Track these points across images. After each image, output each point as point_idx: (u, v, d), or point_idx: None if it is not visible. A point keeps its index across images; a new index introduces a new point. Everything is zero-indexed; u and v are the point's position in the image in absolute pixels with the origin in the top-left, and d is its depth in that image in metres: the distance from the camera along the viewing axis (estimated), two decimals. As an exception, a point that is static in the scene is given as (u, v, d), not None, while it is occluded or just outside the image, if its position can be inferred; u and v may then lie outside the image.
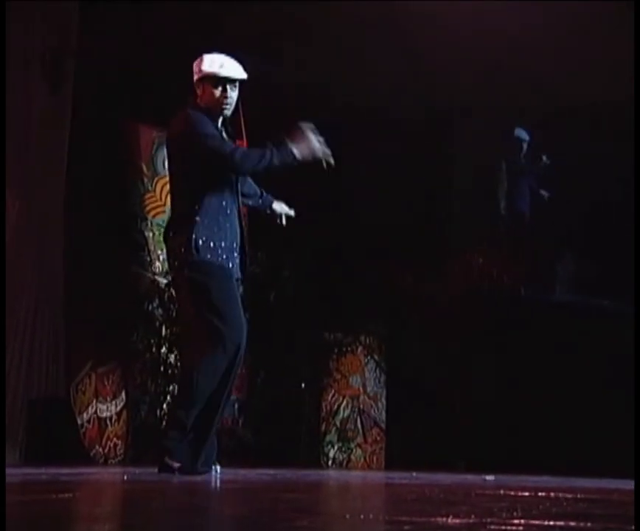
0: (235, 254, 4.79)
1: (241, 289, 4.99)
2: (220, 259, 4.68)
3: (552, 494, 3.74)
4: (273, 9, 8.43)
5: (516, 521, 2.33)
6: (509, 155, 10.58)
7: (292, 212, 5.26)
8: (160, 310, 8.81)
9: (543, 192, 10.42)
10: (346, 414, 10.17)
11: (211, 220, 4.69)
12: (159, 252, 9.07)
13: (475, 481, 5.22)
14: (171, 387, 8.63)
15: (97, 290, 8.34)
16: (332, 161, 4.83)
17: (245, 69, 4.83)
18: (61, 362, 7.91)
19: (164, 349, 8.73)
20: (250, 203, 5.20)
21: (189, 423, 4.59)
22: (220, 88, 4.74)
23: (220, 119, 4.82)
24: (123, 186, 9.12)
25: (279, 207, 5.25)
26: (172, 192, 4.96)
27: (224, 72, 4.75)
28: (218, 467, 4.85)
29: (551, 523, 2.35)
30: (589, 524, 2.37)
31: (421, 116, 9.94)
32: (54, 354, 7.82)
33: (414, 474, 6.28)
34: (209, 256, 4.66)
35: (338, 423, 10.10)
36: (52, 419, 7.62)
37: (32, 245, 7.75)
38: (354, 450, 10.15)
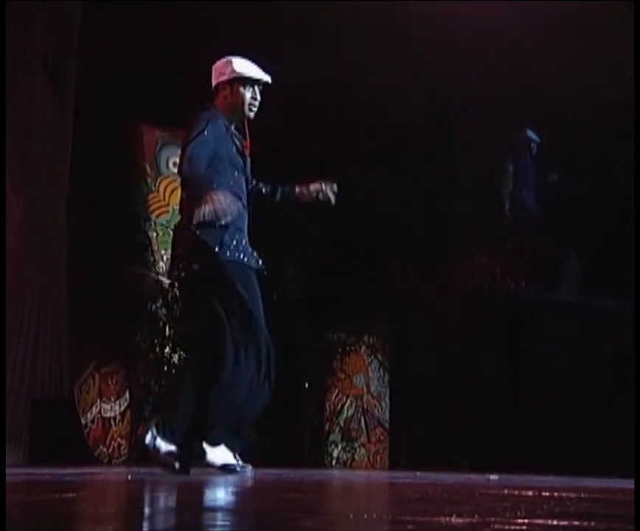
0: (250, 249, 4.82)
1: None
2: (245, 258, 4.72)
3: (556, 494, 3.73)
4: (273, 9, 8.44)
5: (520, 521, 2.33)
6: (516, 155, 10.56)
7: (334, 188, 5.13)
8: (164, 310, 8.81)
9: (552, 177, 10.36)
10: (349, 414, 10.17)
11: (233, 221, 4.72)
12: (163, 252, 9.08)
13: (479, 481, 5.21)
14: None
15: (101, 290, 8.35)
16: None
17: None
18: (65, 362, 7.92)
19: (167, 349, 8.74)
20: (266, 198, 5.16)
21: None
22: (250, 90, 4.87)
23: (234, 124, 4.87)
24: (126, 187, 9.13)
25: (310, 188, 5.12)
26: (183, 190, 4.97)
27: (256, 74, 4.88)
28: (249, 467, 4.85)
29: (555, 522, 2.35)
30: (593, 524, 2.37)
31: (422, 116, 9.94)
32: (58, 354, 7.83)
33: (418, 474, 6.27)
34: (241, 256, 4.69)
35: (341, 423, 10.09)
36: (56, 419, 7.64)
37: (35, 245, 7.76)
38: (357, 449, 10.15)
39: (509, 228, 10.65)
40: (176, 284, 8.68)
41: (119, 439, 8.57)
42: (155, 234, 9.17)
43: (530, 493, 3.74)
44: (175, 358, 8.70)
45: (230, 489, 3.78)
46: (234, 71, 4.86)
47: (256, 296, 4.76)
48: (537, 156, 10.57)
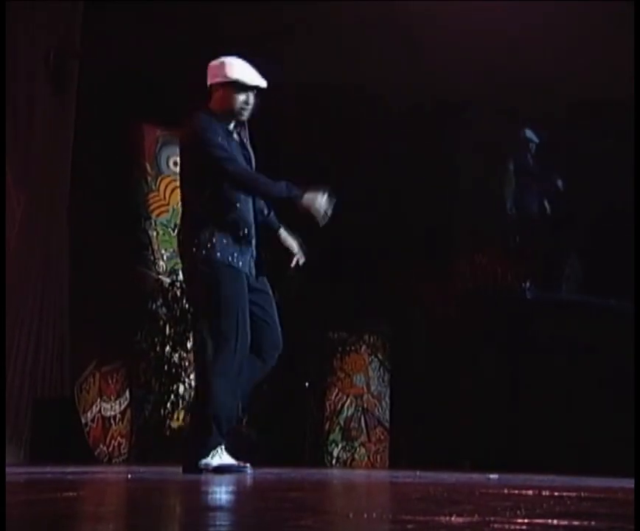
0: (248, 255, 4.81)
1: (267, 286, 4.97)
2: (229, 258, 4.72)
3: (556, 493, 3.73)
4: (273, 9, 8.44)
5: (520, 520, 2.33)
6: (517, 155, 10.57)
7: (302, 258, 5.10)
8: (164, 309, 8.82)
9: (557, 183, 10.39)
10: (350, 413, 10.17)
11: (222, 220, 4.73)
12: (163, 251, 9.09)
13: (479, 480, 5.21)
14: (175, 386, 8.64)
15: (101, 289, 8.36)
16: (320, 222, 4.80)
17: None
18: (66, 361, 7.92)
19: (168, 349, 8.75)
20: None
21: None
22: (243, 95, 4.80)
23: (233, 123, 4.86)
24: (127, 186, 9.13)
25: (289, 241, 5.09)
26: (182, 192, 4.99)
27: (249, 80, 4.80)
28: (248, 466, 4.85)
29: (555, 522, 2.35)
30: (593, 523, 2.37)
31: (423, 116, 9.94)
32: (59, 353, 7.83)
33: (418, 473, 6.27)
34: (218, 254, 4.69)
35: (342, 422, 10.10)
36: (57, 418, 7.64)
37: (36, 244, 7.76)
38: (358, 449, 10.15)
39: (511, 228, 10.67)
40: (176, 283, 8.74)
41: (119, 438, 8.57)
42: (155, 234, 9.17)
43: (530, 493, 3.74)
44: (176, 357, 8.71)
45: (230, 488, 3.78)
46: (226, 75, 4.81)
47: (231, 297, 4.73)
48: (538, 156, 10.57)
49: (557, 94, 9.54)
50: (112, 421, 8.56)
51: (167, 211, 9.20)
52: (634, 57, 7.62)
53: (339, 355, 9.97)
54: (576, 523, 2.36)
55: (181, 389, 8.66)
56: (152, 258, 9.09)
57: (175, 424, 8.65)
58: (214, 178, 4.75)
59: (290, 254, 5.09)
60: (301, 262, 5.10)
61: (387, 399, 10.37)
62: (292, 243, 5.11)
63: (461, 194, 10.66)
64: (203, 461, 4.59)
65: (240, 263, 4.76)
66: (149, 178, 9.25)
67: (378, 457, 10.26)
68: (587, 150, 10.07)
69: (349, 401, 10.18)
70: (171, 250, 8.99)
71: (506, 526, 2.18)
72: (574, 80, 9.14)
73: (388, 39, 8.99)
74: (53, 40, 7.90)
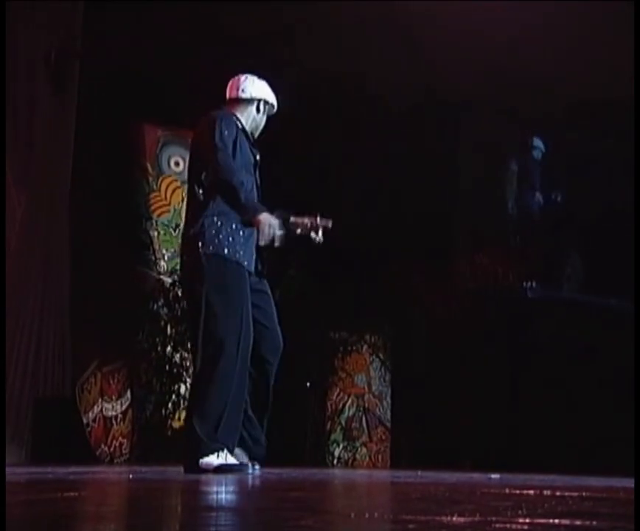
0: (252, 253, 4.83)
1: (266, 286, 4.97)
2: (236, 255, 4.73)
3: (557, 492, 3.73)
4: (273, 9, 8.44)
5: (521, 520, 2.33)
6: (519, 158, 10.57)
7: (326, 223, 5.00)
8: (165, 309, 8.82)
9: (556, 196, 10.43)
10: (351, 413, 10.17)
11: (228, 217, 4.74)
12: (164, 251, 9.09)
13: (480, 480, 5.21)
14: (176, 386, 8.64)
15: (102, 289, 8.36)
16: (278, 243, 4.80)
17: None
18: (67, 361, 7.93)
19: (169, 348, 8.75)
20: None
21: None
22: (263, 115, 5.02)
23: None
24: (128, 186, 9.13)
25: (304, 221, 4.99)
26: (190, 186, 5.00)
27: (272, 100, 5.03)
28: (257, 466, 4.85)
29: (557, 521, 2.35)
30: (595, 523, 2.36)
31: (423, 116, 9.94)
32: (60, 353, 7.84)
33: (419, 473, 6.27)
34: (226, 251, 4.70)
35: (343, 422, 10.10)
36: (58, 418, 7.64)
37: (37, 244, 7.77)
38: (359, 449, 10.15)
39: (512, 228, 10.67)
40: (177, 283, 8.74)
41: (120, 438, 8.57)
42: (156, 234, 9.17)
43: (531, 492, 3.73)
44: (177, 357, 8.71)
45: (231, 488, 3.78)
46: (261, 91, 5.00)
47: (238, 293, 4.74)
48: (541, 161, 10.58)
49: (557, 94, 9.54)
50: (113, 421, 8.56)
51: (168, 211, 9.21)
52: (634, 57, 7.62)
53: (340, 355, 9.97)
54: (577, 522, 2.36)
55: (183, 388, 8.66)
56: (153, 258, 9.09)
57: (176, 424, 8.64)
58: (207, 165, 4.78)
59: (312, 228, 4.98)
60: (320, 236, 5.01)
61: (388, 399, 10.37)
62: (304, 220, 5.02)
63: (461, 194, 10.65)
64: (205, 460, 4.58)
65: (246, 262, 4.78)
66: (150, 178, 9.26)
67: (379, 457, 10.25)
68: (587, 150, 10.06)
69: (350, 401, 10.18)
70: (172, 250, 8.99)
71: (508, 525, 2.18)
72: (574, 80, 9.13)
73: (388, 39, 8.99)
74: (53, 40, 7.91)
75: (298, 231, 4.97)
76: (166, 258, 9.06)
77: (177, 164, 9.29)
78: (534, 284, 10.12)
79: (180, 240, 5.19)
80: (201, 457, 4.59)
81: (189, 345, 8.43)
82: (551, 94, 9.55)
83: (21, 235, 7.66)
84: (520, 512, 2.58)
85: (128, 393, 8.68)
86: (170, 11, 8.32)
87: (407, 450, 9.94)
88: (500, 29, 8.61)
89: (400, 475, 6.62)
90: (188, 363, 8.56)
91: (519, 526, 2.18)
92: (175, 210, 9.14)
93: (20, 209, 7.65)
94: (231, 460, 4.66)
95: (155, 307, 8.85)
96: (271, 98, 5.04)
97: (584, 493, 3.85)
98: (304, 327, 9.29)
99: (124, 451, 8.57)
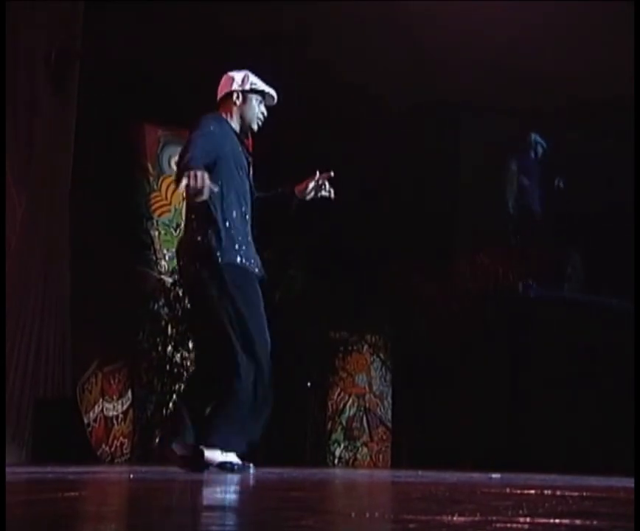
0: (257, 258, 4.82)
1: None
2: (247, 262, 4.71)
3: (558, 492, 3.73)
4: (273, 9, 8.44)
5: (522, 519, 2.33)
6: (520, 156, 10.57)
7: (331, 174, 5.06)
8: (166, 309, 8.82)
9: (559, 182, 10.40)
10: (352, 413, 10.17)
11: (236, 224, 4.73)
12: (165, 251, 9.09)
13: (481, 480, 5.21)
14: (177, 386, 8.63)
15: (103, 289, 8.36)
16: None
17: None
18: (67, 361, 7.93)
19: (169, 348, 8.74)
20: (265, 197, 5.15)
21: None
22: (261, 105, 4.98)
23: (240, 130, 4.92)
24: (129, 186, 9.13)
25: (308, 186, 5.01)
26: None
27: (271, 91, 4.99)
28: (251, 466, 4.85)
29: (557, 521, 2.35)
30: (595, 522, 2.36)
31: (424, 115, 9.95)
32: (61, 353, 7.84)
33: (420, 472, 6.27)
34: (239, 259, 4.68)
35: (344, 422, 10.10)
36: (59, 418, 7.64)
37: (37, 245, 7.77)
38: (360, 448, 10.15)
39: (512, 228, 10.67)
40: (178, 284, 8.73)
41: (121, 438, 8.57)
42: (157, 233, 9.18)
43: (532, 492, 3.73)
44: (177, 357, 8.71)
45: (232, 488, 3.78)
46: (252, 83, 4.96)
47: (255, 303, 4.73)
48: (541, 158, 10.58)
49: (557, 94, 9.54)
50: (114, 421, 8.56)
51: (169, 211, 9.21)
52: (634, 57, 7.62)
53: (341, 355, 9.97)
54: (578, 522, 2.36)
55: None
56: (154, 258, 9.09)
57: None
58: (222, 177, 4.74)
59: (318, 187, 5.02)
60: (329, 190, 5.06)
61: (389, 398, 10.37)
62: (308, 185, 5.03)
63: (461, 194, 10.66)
64: (210, 453, 4.59)
65: (257, 269, 4.77)
66: (151, 178, 9.26)
67: (380, 457, 10.26)
68: (587, 150, 10.07)
69: (351, 401, 10.19)
70: (173, 250, 8.98)
71: (508, 525, 2.18)
72: (574, 80, 9.14)
73: (388, 39, 8.99)
74: (53, 40, 7.91)
75: (309, 197, 5.01)
76: (166, 258, 9.06)
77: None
78: (534, 283, 10.12)
79: (178, 244, 5.12)
80: (213, 448, 4.59)
81: (189, 345, 8.45)
82: (551, 93, 9.56)
83: (21, 235, 7.66)
84: (520, 511, 2.58)
85: (129, 393, 8.68)
86: (170, 11, 8.33)
87: (408, 450, 9.94)
88: (500, 29, 8.62)
89: (401, 475, 6.62)
90: (189, 363, 8.56)
91: (519, 526, 2.18)
92: (175, 210, 9.14)
93: (20, 209, 7.65)
94: (234, 459, 4.67)
95: (156, 307, 8.85)
96: (260, 85, 4.97)
97: (584, 493, 3.85)
98: (304, 326, 9.30)
99: (124, 451, 8.57)
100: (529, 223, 10.64)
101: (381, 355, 10.34)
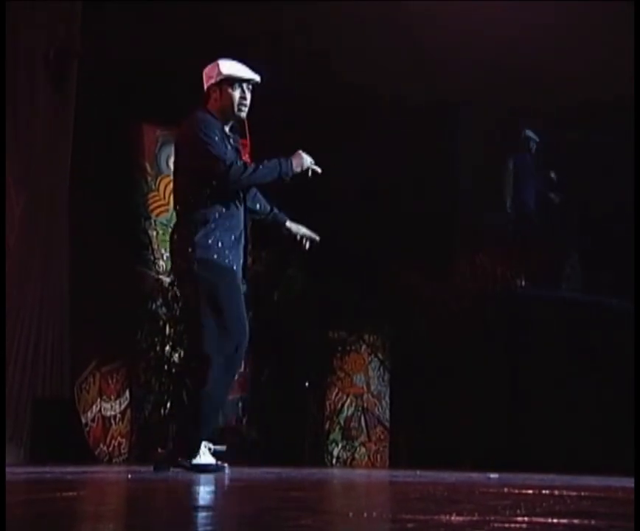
0: (240, 256, 4.86)
1: (244, 288, 5.03)
2: (226, 260, 4.74)
3: (556, 492, 3.73)
4: (273, 9, 8.44)
5: (520, 519, 2.33)
6: (516, 154, 10.58)
7: (316, 237, 5.34)
8: (164, 309, 8.81)
9: (553, 196, 10.44)
10: (350, 413, 10.16)
11: (218, 221, 4.75)
12: (163, 251, 9.08)
13: (479, 480, 5.21)
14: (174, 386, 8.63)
15: (101, 288, 8.35)
16: (318, 169, 5.01)
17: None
18: (65, 361, 7.92)
19: (168, 348, 8.74)
20: (256, 217, 5.23)
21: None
22: (238, 90, 4.91)
23: (230, 123, 4.92)
24: (127, 185, 9.13)
25: (297, 228, 5.29)
26: (177, 191, 5.00)
27: (243, 74, 4.91)
28: (226, 466, 4.86)
29: (555, 520, 2.35)
30: (593, 522, 2.37)
31: (423, 115, 9.94)
32: (59, 353, 7.83)
33: (418, 472, 6.28)
34: (215, 256, 4.71)
35: (341, 422, 10.09)
36: (57, 418, 7.63)
37: (36, 244, 7.76)
38: (358, 448, 10.15)
39: (511, 227, 10.67)
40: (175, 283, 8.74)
41: (119, 438, 8.57)
42: (155, 233, 9.17)
43: (530, 492, 3.74)
44: (176, 357, 8.71)
45: (231, 488, 3.78)
46: (220, 72, 4.92)
47: (229, 296, 4.76)
48: (536, 155, 10.58)
49: (557, 94, 9.54)
50: (112, 421, 8.55)
51: (167, 210, 9.20)
52: (634, 57, 7.62)
53: (339, 355, 9.96)
54: (576, 521, 2.36)
55: (182, 388, 8.66)
56: (152, 258, 9.09)
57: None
58: (212, 177, 4.76)
59: (302, 240, 5.27)
60: (316, 239, 5.30)
61: (387, 398, 10.37)
62: (301, 229, 5.29)
63: (461, 194, 10.66)
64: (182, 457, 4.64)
65: (235, 266, 4.81)
66: (149, 178, 9.25)
67: (378, 457, 10.25)
68: (587, 149, 10.07)
69: (349, 401, 10.18)
70: (170, 250, 8.99)
71: (506, 525, 2.18)
72: (574, 80, 9.14)
73: (388, 39, 8.99)
74: (53, 40, 7.90)
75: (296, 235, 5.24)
76: (164, 258, 9.05)
77: (176, 163, 9.27)
78: (533, 283, 10.12)
79: (169, 240, 5.21)
80: (185, 459, 4.63)
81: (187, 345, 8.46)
82: (551, 94, 9.56)
83: (19, 235, 7.65)
84: (518, 511, 2.59)
85: (127, 393, 8.67)
86: (170, 11, 8.32)
87: (406, 449, 9.93)
88: (500, 29, 8.61)
89: (399, 475, 6.62)
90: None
91: (517, 526, 2.18)
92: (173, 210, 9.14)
93: (19, 208, 7.65)
94: (209, 460, 4.69)
95: (154, 306, 8.85)
96: (232, 71, 4.91)
97: (582, 493, 3.85)
98: (303, 326, 9.29)
99: (122, 451, 8.57)
100: (527, 222, 10.64)
101: (379, 355, 10.34)
